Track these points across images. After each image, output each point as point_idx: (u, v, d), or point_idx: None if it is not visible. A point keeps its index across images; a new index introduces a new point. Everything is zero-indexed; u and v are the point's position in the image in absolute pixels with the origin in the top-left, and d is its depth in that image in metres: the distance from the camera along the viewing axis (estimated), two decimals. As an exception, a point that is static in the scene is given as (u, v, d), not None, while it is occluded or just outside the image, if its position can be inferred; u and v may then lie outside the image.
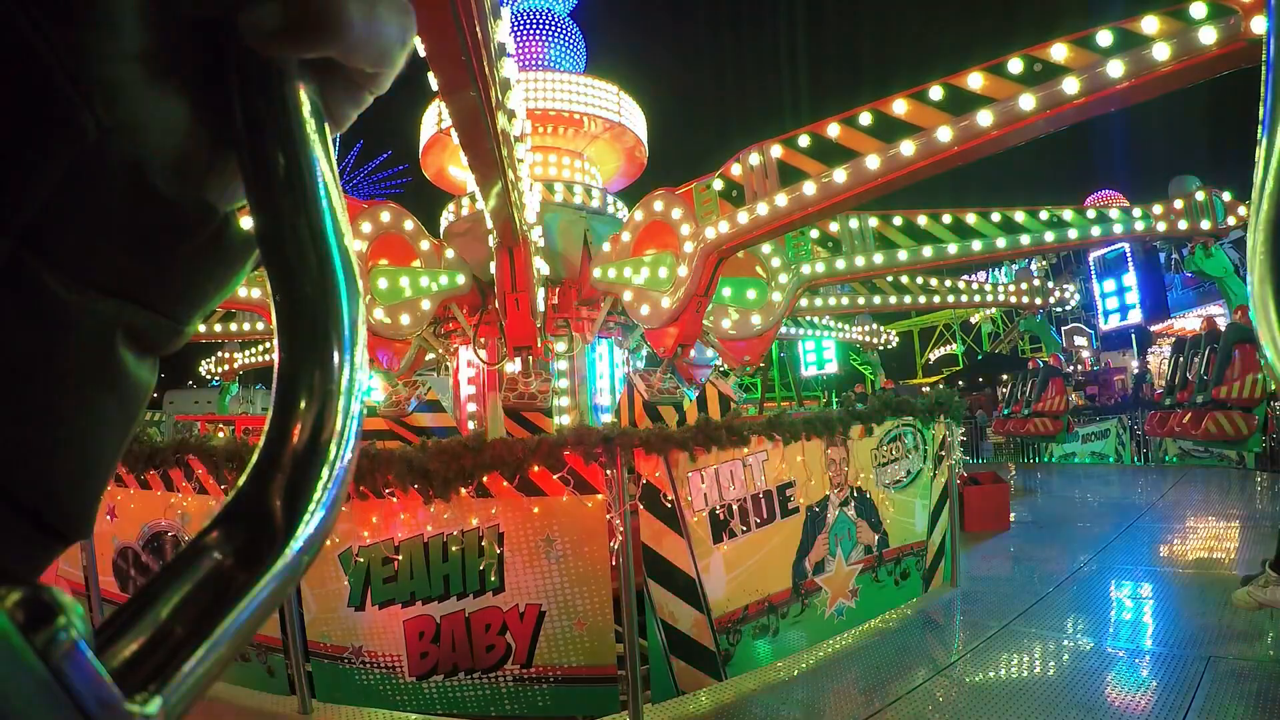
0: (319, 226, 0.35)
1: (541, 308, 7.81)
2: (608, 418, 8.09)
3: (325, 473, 0.33)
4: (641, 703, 3.79)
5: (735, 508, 4.33)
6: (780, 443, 4.54)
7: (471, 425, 7.94)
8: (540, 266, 7.82)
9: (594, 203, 8.79)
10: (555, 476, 3.77)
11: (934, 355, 34.04)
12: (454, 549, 3.81)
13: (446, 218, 8.92)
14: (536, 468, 3.76)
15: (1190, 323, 21.22)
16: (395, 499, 3.80)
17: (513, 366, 7.80)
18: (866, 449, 5.24)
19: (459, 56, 3.92)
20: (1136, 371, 21.11)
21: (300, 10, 0.33)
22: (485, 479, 3.77)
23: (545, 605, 3.82)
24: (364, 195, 44.62)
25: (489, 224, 6.20)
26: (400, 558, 3.83)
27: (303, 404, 0.33)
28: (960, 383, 24.79)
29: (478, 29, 3.87)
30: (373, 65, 0.36)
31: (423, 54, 3.95)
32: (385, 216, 7.13)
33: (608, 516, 3.78)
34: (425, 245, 7.37)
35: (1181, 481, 11.01)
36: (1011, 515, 8.50)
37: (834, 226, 7.98)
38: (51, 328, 0.30)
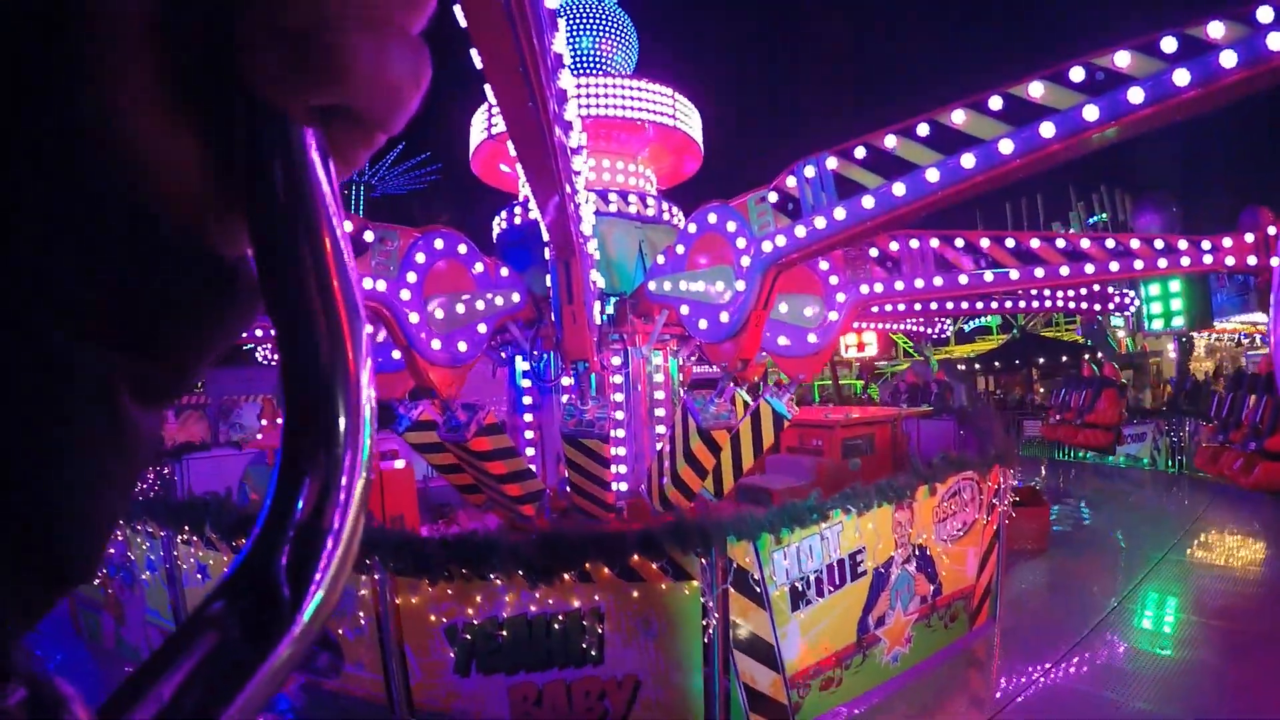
0: (326, 279, 0.34)
1: (598, 321, 7.85)
2: (661, 430, 8.25)
3: (330, 543, 0.32)
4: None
5: (812, 579, 4.54)
6: (855, 513, 4.72)
7: (529, 452, 8.12)
8: (596, 278, 7.83)
9: (649, 211, 8.69)
10: (655, 566, 3.98)
11: (968, 324, 33.40)
12: (556, 627, 4.07)
13: (499, 225, 8.89)
14: (637, 557, 3.97)
15: (1232, 325, 20.89)
16: (499, 582, 4.03)
17: (567, 381, 7.95)
18: (929, 508, 5.40)
19: (516, 68, 3.76)
20: (1176, 377, 20.70)
21: (301, 56, 0.32)
22: (587, 565, 3.98)
23: (641, 676, 4.10)
24: (392, 190, 43.94)
25: (544, 235, 6.18)
26: (505, 634, 4.09)
27: (307, 473, 0.33)
28: (997, 363, 24.64)
29: (534, 40, 3.72)
30: (383, 109, 0.35)
31: (479, 66, 3.81)
32: (439, 243, 7.00)
33: (702, 600, 4.01)
34: (479, 267, 7.36)
35: (1217, 501, 10.85)
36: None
37: (893, 246, 7.91)
38: (53, 380, 0.30)
